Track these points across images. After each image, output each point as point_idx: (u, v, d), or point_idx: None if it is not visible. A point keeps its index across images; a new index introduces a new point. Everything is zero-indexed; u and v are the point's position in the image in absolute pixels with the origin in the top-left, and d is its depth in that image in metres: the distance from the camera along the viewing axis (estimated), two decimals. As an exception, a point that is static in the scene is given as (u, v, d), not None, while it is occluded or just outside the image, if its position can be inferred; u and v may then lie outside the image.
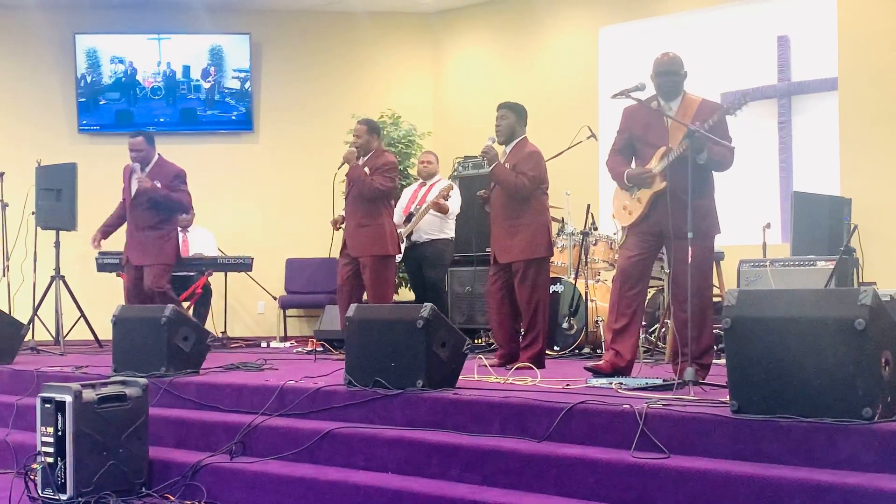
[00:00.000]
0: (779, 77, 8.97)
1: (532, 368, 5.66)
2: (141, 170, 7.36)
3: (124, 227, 7.64)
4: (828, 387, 3.50)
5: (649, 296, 7.76)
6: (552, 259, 7.73)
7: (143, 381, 4.83)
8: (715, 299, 6.95)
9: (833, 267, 6.50)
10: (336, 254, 10.14)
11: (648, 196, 5.05)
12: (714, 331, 5.17)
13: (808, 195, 7.73)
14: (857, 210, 7.70)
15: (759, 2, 9.08)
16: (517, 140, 6.30)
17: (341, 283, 7.20)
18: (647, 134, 5.15)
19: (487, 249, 6.57)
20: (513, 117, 6.29)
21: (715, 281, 6.97)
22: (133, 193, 7.38)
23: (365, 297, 7.13)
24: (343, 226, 7.34)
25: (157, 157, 7.49)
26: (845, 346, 3.47)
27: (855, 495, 3.16)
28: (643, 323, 7.17)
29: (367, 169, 7.08)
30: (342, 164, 7.15)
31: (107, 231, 7.72)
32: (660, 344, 7.22)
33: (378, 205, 7.13)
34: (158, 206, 7.35)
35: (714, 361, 5.18)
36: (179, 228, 9.40)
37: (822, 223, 7.53)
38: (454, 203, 8.20)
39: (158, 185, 7.29)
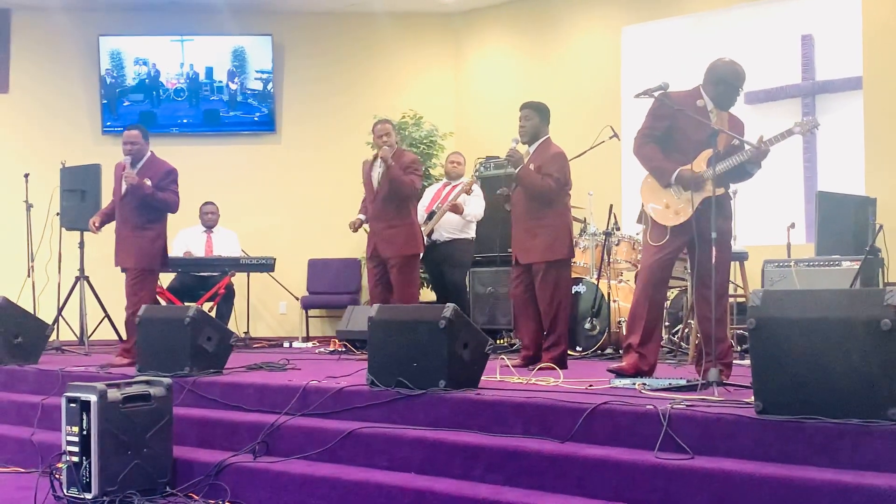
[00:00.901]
0: (803, 76, 8.92)
1: (555, 369, 5.65)
2: (132, 164, 6.99)
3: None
4: (853, 387, 3.47)
5: (673, 296, 7.75)
6: (574, 259, 7.74)
7: (167, 380, 4.85)
8: (739, 300, 6.94)
9: (858, 267, 6.45)
10: (350, 253, 10.21)
11: (700, 199, 4.90)
12: (738, 331, 5.14)
13: (833, 195, 7.68)
14: (883, 209, 7.64)
15: (783, 1, 9.03)
16: (541, 140, 6.28)
17: (373, 286, 7.14)
18: (694, 131, 4.98)
19: (509, 250, 6.55)
20: (537, 118, 6.27)
21: (739, 281, 6.95)
22: (123, 191, 7.01)
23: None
24: (360, 228, 7.29)
25: (149, 153, 7.09)
26: (871, 347, 3.45)
27: (881, 497, 3.14)
28: (666, 323, 7.17)
29: None
30: (381, 164, 7.09)
31: (106, 218, 7.28)
32: (683, 345, 7.19)
33: (408, 204, 7.14)
34: (147, 206, 6.98)
35: (737, 362, 5.15)
36: (204, 228, 9.48)
37: (846, 223, 7.48)
38: (477, 205, 8.16)
39: (148, 182, 6.92)
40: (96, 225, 7.26)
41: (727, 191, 5.08)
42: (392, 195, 7.04)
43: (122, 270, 7.08)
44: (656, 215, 5.08)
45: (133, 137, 7.02)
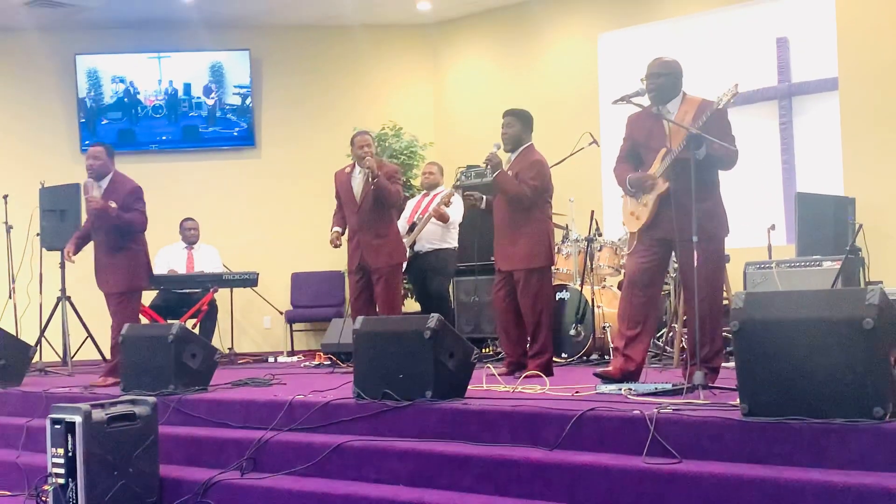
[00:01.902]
0: (779, 78, 8.98)
1: (540, 376, 5.66)
2: (97, 179, 6.87)
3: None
4: (838, 387, 3.49)
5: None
6: (557, 266, 7.75)
7: (151, 399, 4.83)
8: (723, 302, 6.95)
9: (839, 267, 6.49)
10: (333, 266, 10.17)
11: (654, 199, 5.03)
12: (723, 334, 5.15)
13: (812, 196, 7.73)
14: (862, 209, 7.69)
15: (757, 4, 9.09)
16: (523, 147, 6.28)
17: (355, 299, 7.11)
18: (650, 139, 5.13)
19: (492, 258, 6.56)
20: (519, 125, 6.27)
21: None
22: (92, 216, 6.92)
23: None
24: (339, 242, 7.23)
25: (113, 172, 6.96)
26: (854, 346, 3.46)
27: (868, 495, 3.15)
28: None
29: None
30: (361, 174, 7.07)
31: (79, 244, 7.12)
32: (668, 349, 7.21)
33: (391, 213, 7.15)
34: (118, 227, 6.84)
35: (723, 365, 5.16)
36: (186, 245, 9.45)
37: (826, 223, 7.53)
38: (455, 211, 8.19)
39: (113, 204, 6.74)
40: (71, 254, 7.07)
41: (715, 185, 5.07)
42: (377, 205, 7.02)
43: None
44: (627, 224, 5.30)
45: (96, 153, 6.90)
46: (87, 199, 6.80)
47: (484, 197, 6.62)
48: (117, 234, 6.86)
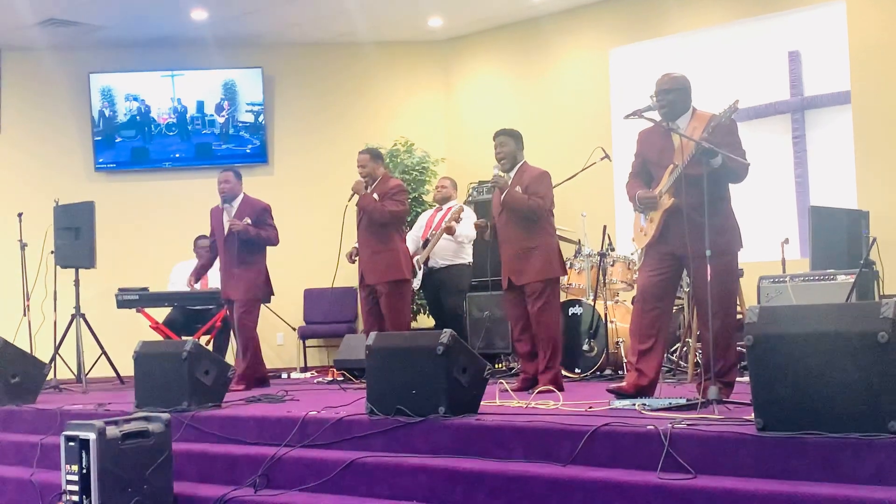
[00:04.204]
0: (791, 92, 8.96)
1: (553, 391, 5.64)
2: (228, 202, 7.60)
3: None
4: (853, 401, 3.47)
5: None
6: (570, 281, 7.75)
7: (165, 416, 4.84)
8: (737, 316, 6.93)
9: (853, 280, 6.46)
10: (346, 282, 10.18)
11: (660, 215, 5.04)
12: (737, 348, 5.12)
13: (826, 209, 7.70)
14: (875, 222, 7.66)
15: (769, 18, 9.09)
16: (519, 164, 6.37)
17: (366, 314, 7.20)
18: (660, 155, 5.14)
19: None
20: (512, 143, 6.37)
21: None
22: (225, 233, 7.55)
23: None
24: (357, 257, 7.36)
25: (243, 193, 7.70)
26: (869, 360, 3.44)
27: (885, 510, 3.13)
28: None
29: (376, 195, 7.13)
30: (352, 195, 7.21)
31: (199, 273, 8.14)
32: (681, 363, 7.18)
33: (390, 230, 7.18)
34: (249, 242, 7.51)
35: (738, 379, 5.14)
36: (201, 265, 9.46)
37: (840, 237, 7.49)
38: (466, 227, 8.17)
39: (248, 221, 7.49)
40: (191, 284, 8.11)
41: (724, 200, 5.06)
42: (372, 222, 7.12)
43: (225, 303, 7.78)
44: (636, 240, 5.34)
45: (227, 177, 7.67)
46: (230, 224, 7.49)
47: (489, 225, 6.62)
48: (247, 248, 7.53)
